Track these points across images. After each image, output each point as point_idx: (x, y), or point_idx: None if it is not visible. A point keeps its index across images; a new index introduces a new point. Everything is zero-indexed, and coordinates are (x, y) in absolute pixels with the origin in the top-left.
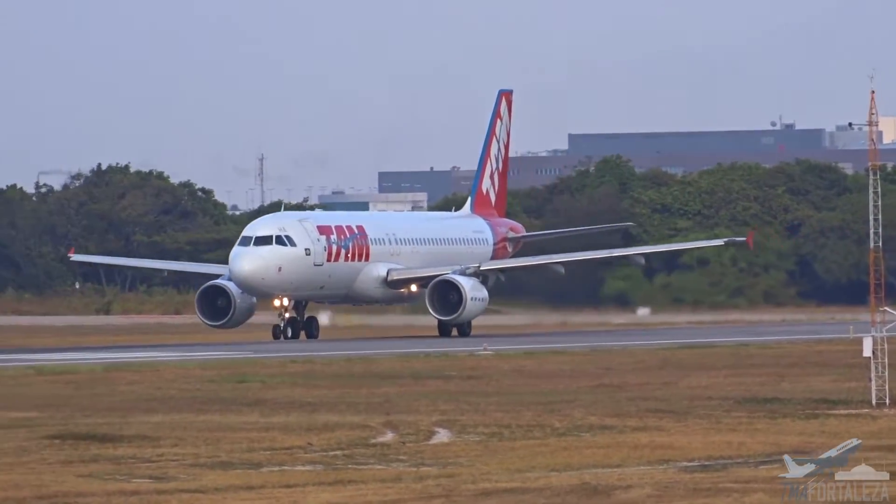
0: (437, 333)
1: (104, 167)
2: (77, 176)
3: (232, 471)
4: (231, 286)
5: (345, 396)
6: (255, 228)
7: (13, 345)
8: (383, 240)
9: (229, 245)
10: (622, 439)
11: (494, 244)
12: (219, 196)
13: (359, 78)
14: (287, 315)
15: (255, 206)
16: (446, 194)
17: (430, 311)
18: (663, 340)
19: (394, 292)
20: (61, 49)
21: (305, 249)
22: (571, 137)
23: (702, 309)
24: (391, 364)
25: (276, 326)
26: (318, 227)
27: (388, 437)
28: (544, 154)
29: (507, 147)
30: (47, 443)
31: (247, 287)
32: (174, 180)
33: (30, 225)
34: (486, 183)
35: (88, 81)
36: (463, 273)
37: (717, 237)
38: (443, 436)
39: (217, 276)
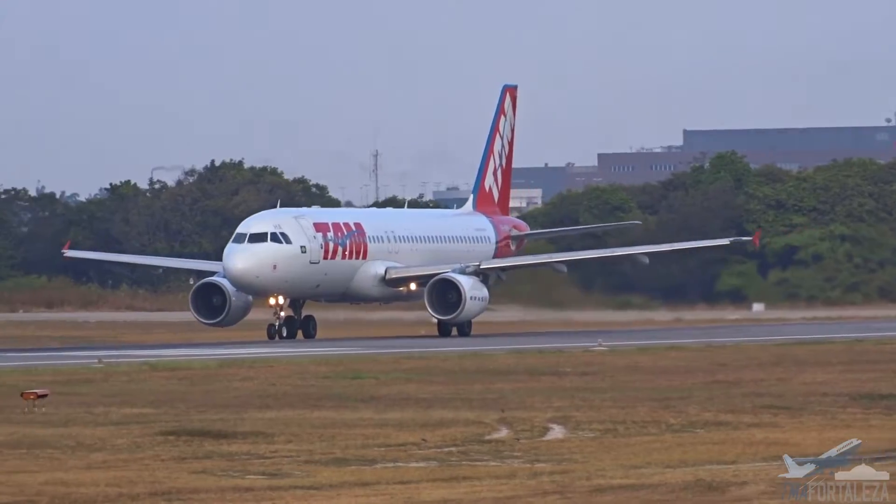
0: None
1: (217, 163)
2: (191, 172)
3: (346, 467)
4: (226, 283)
5: (459, 393)
6: (249, 225)
7: (128, 341)
8: (382, 237)
9: None
10: (737, 435)
11: (497, 242)
12: (333, 192)
13: (477, 74)
14: (283, 314)
15: (370, 201)
16: (560, 190)
17: (429, 310)
18: (778, 336)
19: (392, 291)
20: (176, 47)
21: (301, 247)
22: (686, 133)
23: (816, 305)
24: (505, 360)
25: (270, 325)
26: (315, 225)
27: (503, 433)
28: (659, 150)
29: (511, 144)
30: (161, 439)
31: (241, 285)
32: (288, 176)
33: (143, 221)
34: (488, 180)
35: (202, 77)
36: (463, 272)
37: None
38: (557, 432)
39: (212, 274)
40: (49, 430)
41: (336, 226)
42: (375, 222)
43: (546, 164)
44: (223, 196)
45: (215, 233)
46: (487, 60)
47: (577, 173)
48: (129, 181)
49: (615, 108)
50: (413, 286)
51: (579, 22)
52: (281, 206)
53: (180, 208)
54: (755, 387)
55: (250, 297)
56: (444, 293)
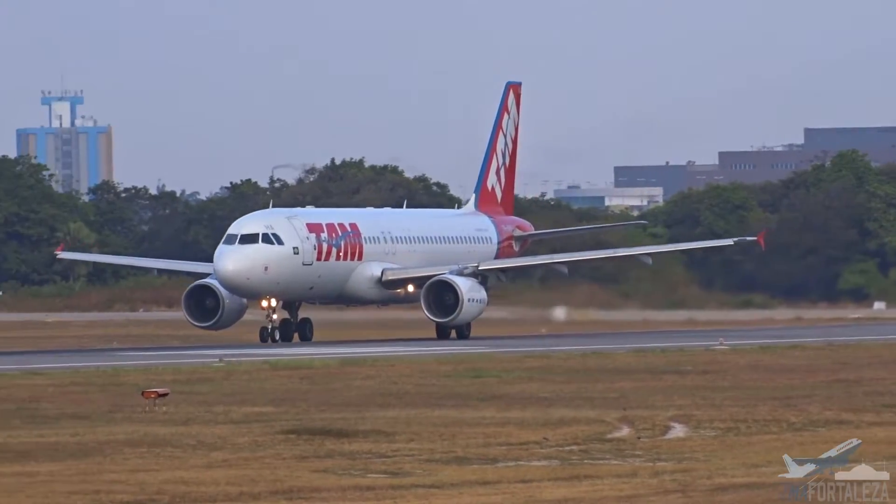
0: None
1: (338, 162)
2: (311, 170)
3: (467, 466)
4: (220, 286)
5: (581, 391)
6: (240, 226)
7: (248, 340)
8: (378, 238)
9: None
10: (858, 434)
11: (499, 243)
12: (454, 191)
13: (603, 71)
14: (275, 316)
15: None
16: (681, 189)
17: (426, 312)
18: None
19: (389, 293)
20: (295, 46)
21: (293, 248)
22: (807, 132)
23: None
24: (626, 359)
25: (263, 328)
26: (308, 225)
27: (624, 432)
28: (780, 148)
29: (514, 142)
30: (282, 438)
31: (231, 287)
32: (409, 174)
33: None
34: (491, 179)
35: (323, 76)
36: (460, 273)
37: None
38: (678, 431)
39: (206, 275)
40: (170, 428)
41: (330, 226)
42: (371, 223)
43: (667, 163)
44: (344, 194)
45: None
46: (612, 57)
47: (697, 172)
48: (249, 179)
49: (737, 107)
50: (411, 288)
51: (702, 20)
52: (395, 206)
53: (301, 206)
54: (877, 385)
55: (245, 300)
56: (441, 295)
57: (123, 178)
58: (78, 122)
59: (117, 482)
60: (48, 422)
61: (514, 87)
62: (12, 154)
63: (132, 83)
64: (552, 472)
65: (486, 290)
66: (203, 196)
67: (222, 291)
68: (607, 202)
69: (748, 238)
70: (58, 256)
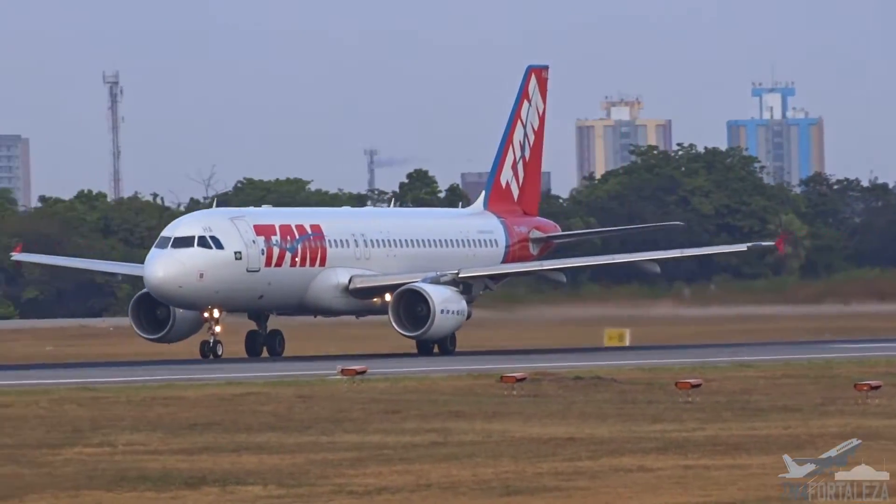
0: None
1: None
2: None
3: None
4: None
5: None
6: (174, 228)
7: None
8: (346, 241)
9: None
10: None
11: (508, 246)
12: None
13: None
14: (217, 329)
15: None
16: None
17: (394, 325)
18: None
19: (362, 303)
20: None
21: (235, 253)
22: None
23: None
24: None
25: (203, 342)
26: (256, 227)
27: None
28: None
29: (538, 132)
30: None
31: (162, 296)
32: None
33: None
34: (505, 174)
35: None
36: (436, 281)
37: None
38: None
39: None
40: (881, 421)
41: (285, 228)
42: (338, 224)
43: None
44: None
45: None
46: None
47: None
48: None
49: None
50: (388, 297)
51: None
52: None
53: None
54: None
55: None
56: (413, 306)
57: (835, 169)
58: (789, 114)
59: None
60: (759, 414)
61: (536, 72)
62: (723, 146)
63: (844, 74)
64: None
65: (470, 299)
66: None
67: None
68: None
69: (763, 244)
70: (12, 258)
